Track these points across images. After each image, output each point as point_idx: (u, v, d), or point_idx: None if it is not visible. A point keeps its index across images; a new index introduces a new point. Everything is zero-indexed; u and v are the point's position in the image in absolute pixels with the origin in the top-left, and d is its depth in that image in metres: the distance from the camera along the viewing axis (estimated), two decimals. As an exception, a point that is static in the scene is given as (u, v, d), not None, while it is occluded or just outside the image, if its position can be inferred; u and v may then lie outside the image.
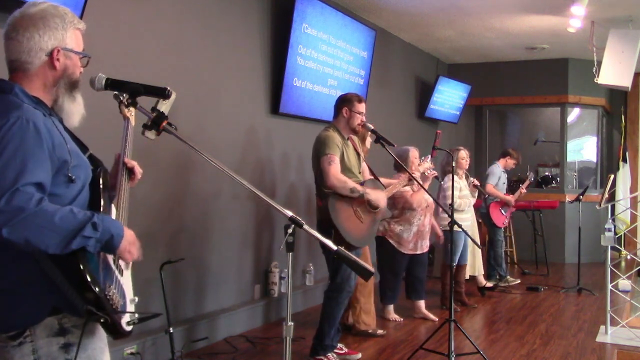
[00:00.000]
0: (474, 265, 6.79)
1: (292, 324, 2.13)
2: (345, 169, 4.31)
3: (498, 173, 7.25)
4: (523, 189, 7.47)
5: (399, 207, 5.47)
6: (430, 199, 5.56)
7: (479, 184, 6.37)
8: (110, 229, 1.78)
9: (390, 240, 5.49)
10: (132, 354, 3.94)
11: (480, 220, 7.34)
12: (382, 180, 4.89)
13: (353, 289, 4.43)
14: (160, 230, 4.42)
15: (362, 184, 4.38)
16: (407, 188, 5.37)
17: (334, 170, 4.18)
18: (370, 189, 4.35)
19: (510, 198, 7.28)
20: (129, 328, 1.89)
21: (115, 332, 1.84)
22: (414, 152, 5.53)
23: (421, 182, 4.63)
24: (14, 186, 1.64)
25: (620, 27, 7.01)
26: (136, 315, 1.93)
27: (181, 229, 4.64)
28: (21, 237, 1.64)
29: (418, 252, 5.61)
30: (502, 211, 7.27)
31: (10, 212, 1.62)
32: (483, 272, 6.95)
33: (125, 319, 1.88)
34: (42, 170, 1.71)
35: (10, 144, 1.68)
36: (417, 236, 5.55)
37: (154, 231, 4.34)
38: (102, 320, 1.77)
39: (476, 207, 7.65)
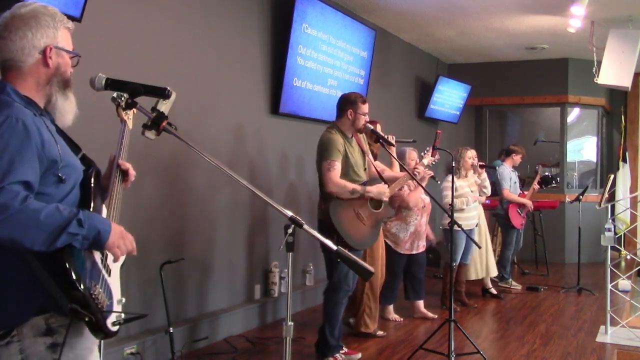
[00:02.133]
0: (486, 266, 6.69)
1: (292, 324, 2.13)
2: (350, 168, 4.32)
3: (508, 174, 7.19)
4: (536, 185, 7.49)
5: (395, 206, 5.47)
6: (427, 199, 5.56)
7: (483, 163, 6.32)
8: (97, 225, 1.78)
9: (387, 241, 5.48)
10: (132, 354, 3.94)
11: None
12: (387, 173, 4.85)
13: (352, 287, 4.42)
14: (160, 230, 4.42)
15: (364, 184, 4.38)
16: (404, 187, 5.34)
17: (333, 176, 4.20)
18: (371, 185, 4.36)
19: (526, 200, 7.26)
20: (114, 328, 1.89)
21: (100, 331, 1.83)
22: (411, 154, 5.53)
23: (421, 183, 4.62)
24: (0, 184, 1.65)
25: (620, 27, 7.01)
26: (122, 315, 1.92)
27: (181, 229, 4.64)
28: (6, 235, 1.65)
29: (414, 252, 5.61)
30: (520, 212, 7.26)
31: None
32: (494, 275, 6.88)
33: (111, 319, 1.87)
34: (30, 169, 1.72)
35: None
36: (413, 236, 5.56)
37: (154, 231, 4.34)
38: (86, 319, 1.77)
39: (492, 207, 7.64)
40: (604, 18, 6.95)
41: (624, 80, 7.04)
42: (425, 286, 5.95)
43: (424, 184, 5.25)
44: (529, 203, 7.24)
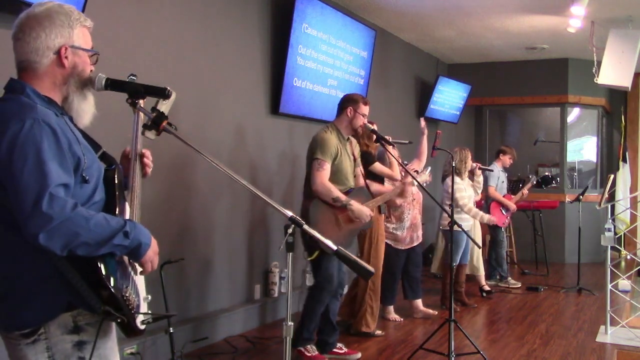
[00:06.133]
0: (474, 264, 6.79)
1: (292, 323, 2.14)
2: (339, 172, 4.29)
3: (497, 174, 7.24)
4: (525, 191, 7.45)
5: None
6: (415, 190, 5.56)
7: (481, 166, 6.36)
8: (140, 238, 1.81)
9: (386, 240, 5.49)
10: (132, 354, 3.94)
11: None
12: (375, 187, 4.84)
13: (336, 289, 4.38)
14: (160, 230, 4.40)
15: (350, 191, 4.34)
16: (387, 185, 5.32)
17: (322, 176, 4.17)
18: (356, 200, 4.29)
19: (511, 202, 7.24)
20: (142, 327, 1.92)
21: (129, 331, 1.86)
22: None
23: (420, 183, 4.61)
24: (46, 190, 1.64)
25: (620, 27, 7.01)
26: (151, 315, 1.94)
27: (181, 229, 4.64)
28: (57, 243, 1.65)
29: (415, 244, 5.67)
30: (503, 211, 7.27)
31: (47, 217, 1.63)
32: (483, 272, 6.95)
33: (140, 318, 1.90)
34: (66, 170, 1.72)
35: (31, 148, 1.68)
36: (410, 230, 5.61)
37: (154, 231, 4.29)
38: (118, 321, 1.80)
39: (478, 206, 7.66)
40: (604, 18, 6.95)
41: (624, 80, 7.04)
42: (422, 285, 5.96)
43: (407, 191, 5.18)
44: (512, 206, 7.22)
